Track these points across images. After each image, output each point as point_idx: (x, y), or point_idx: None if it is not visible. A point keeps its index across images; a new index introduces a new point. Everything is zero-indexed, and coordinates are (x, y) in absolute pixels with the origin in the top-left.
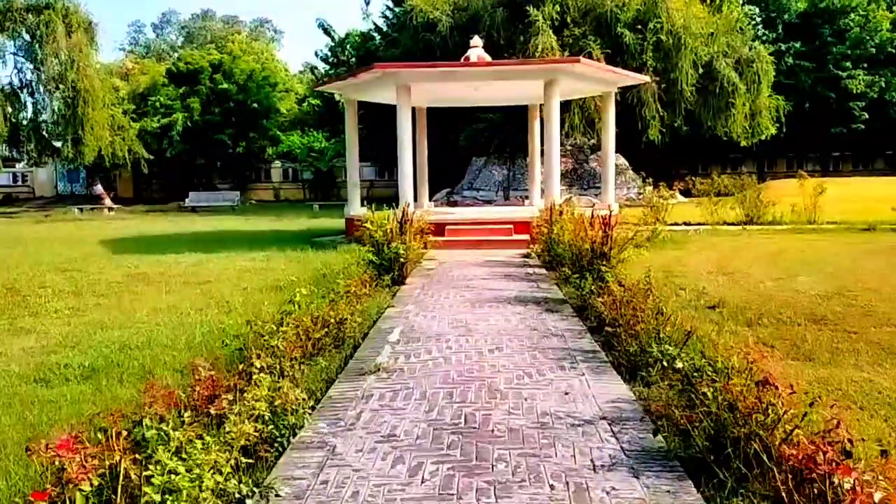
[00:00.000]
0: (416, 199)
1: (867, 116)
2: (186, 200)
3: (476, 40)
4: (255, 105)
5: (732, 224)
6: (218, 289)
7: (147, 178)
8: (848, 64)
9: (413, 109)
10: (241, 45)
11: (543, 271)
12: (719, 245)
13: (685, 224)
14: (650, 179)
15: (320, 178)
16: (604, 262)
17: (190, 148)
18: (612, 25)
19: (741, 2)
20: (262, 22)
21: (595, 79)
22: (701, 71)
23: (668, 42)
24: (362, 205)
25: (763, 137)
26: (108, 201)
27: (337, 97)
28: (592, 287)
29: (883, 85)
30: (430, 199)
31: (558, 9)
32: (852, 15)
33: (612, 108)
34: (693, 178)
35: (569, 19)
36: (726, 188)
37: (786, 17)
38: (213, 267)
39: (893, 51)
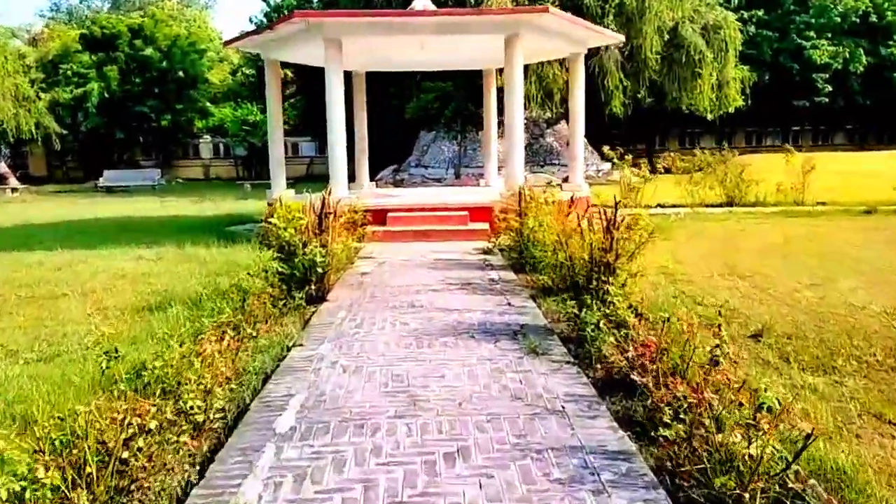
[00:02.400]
0: (353, 179)
1: (830, 89)
2: (101, 179)
3: None
4: (181, 74)
5: (714, 206)
6: (67, 309)
7: (61, 155)
8: (811, 34)
9: (350, 74)
10: (171, 12)
11: (511, 276)
12: (710, 233)
13: (660, 206)
14: (629, 157)
15: (254, 153)
16: (608, 278)
17: (108, 121)
18: None
19: None
20: None
21: (563, 35)
22: (666, 38)
23: (631, 5)
24: (294, 185)
25: (729, 110)
26: (12, 181)
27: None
28: (600, 320)
29: (847, 56)
30: (371, 179)
31: None
32: None
33: (581, 72)
34: (671, 155)
35: None
36: (708, 165)
37: None
38: (82, 270)
39: (857, 20)
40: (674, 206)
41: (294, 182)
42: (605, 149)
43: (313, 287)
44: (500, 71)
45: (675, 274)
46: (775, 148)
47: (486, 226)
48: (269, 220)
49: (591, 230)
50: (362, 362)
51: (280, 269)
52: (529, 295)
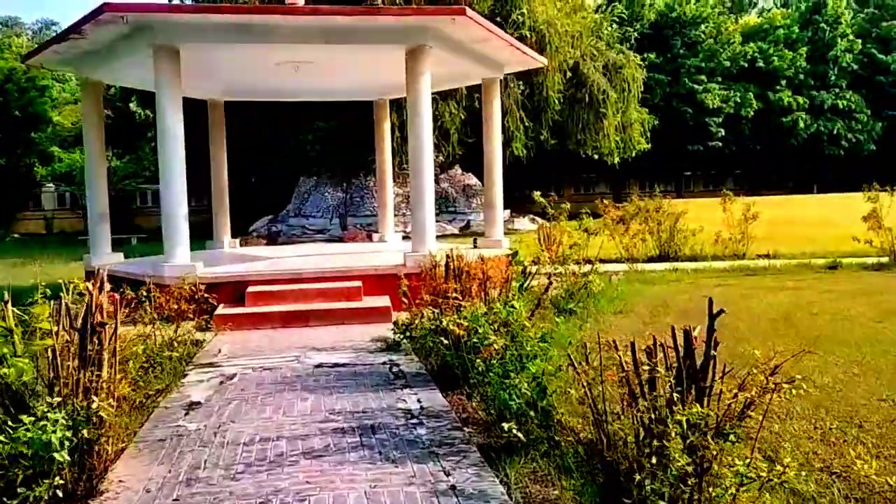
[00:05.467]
0: (212, 236)
1: (723, 133)
2: None
3: None
4: (17, 113)
5: (649, 261)
6: None
7: None
8: (703, 77)
9: (206, 105)
10: (20, 50)
11: (438, 399)
12: (675, 301)
13: (591, 262)
14: (566, 205)
15: (109, 203)
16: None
17: None
18: None
19: (594, 7)
20: (47, 24)
21: (478, 53)
22: (568, 76)
23: (531, 39)
24: (144, 241)
25: (633, 154)
26: None
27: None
28: None
29: (738, 100)
30: (244, 232)
31: None
32: (703, 26)
33: (497, 102)
34: (604, 203)
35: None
36: (643, 213)
37: (638, 26)
38: None
39: (745, 65)
40: (603, 261)
41: (150, 237)
42: (536, 195)
43: (66, 475)
44: (395, 103)
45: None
46: (668, 194)
47: (386, 300)
48: None
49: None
50: None
51: None
52: (479, 449)
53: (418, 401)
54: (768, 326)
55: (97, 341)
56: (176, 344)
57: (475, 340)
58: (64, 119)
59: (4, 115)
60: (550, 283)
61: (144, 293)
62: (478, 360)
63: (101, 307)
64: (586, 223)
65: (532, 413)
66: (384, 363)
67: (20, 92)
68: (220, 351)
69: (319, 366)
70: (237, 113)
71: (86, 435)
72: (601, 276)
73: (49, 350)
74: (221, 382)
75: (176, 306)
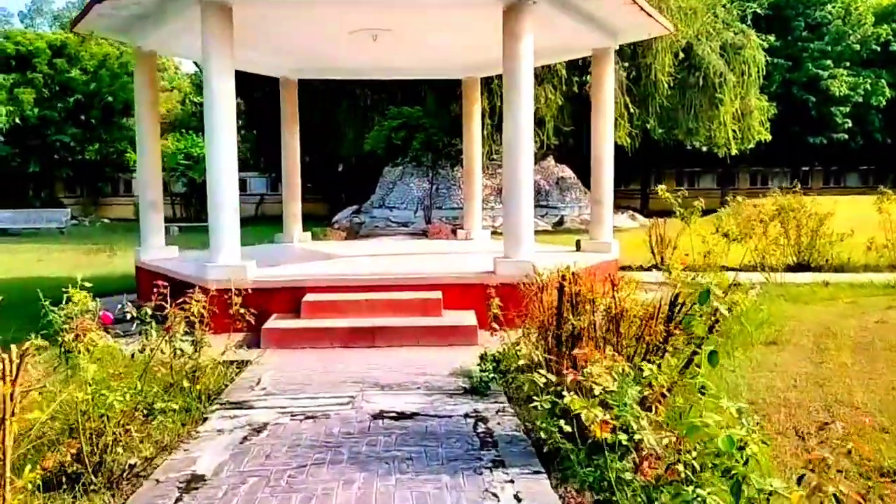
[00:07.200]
0: (282, 229)
1: (850, 124)
2: None
3: None
4: (110, 98)
5: (789, 270)
6: None
7: None
8: (828, 62)
9: (277, 82)
10: None
11: (545, 496)
12: (844, 330)
13: (723, 269)
14: (700, 202)
15: (195, 190)
16: None
17: (20, 151)
18: None
19: None
20: None
21: (587, 14)
22: (680, 56)
23: None
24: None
25: (751, 146)
26: None
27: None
28: None
29: (868, 87)
30: (326, 223)
31: None
32: (829, 6)
33: (610, 77)
34: (736, 198)
35: None
36: (785, 212)
37: (755, 5)
38: None
39: (878, 48)
40: (728, 268)
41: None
42: (661, 189)
43: None
44: (485, 85)
45: None
46: (784, 190)
47: (471, 317)
48: None
49: None
50: None
51: None
52: None
53: (516, 498)
54: None
55: None
56: (186, 383)
57: (622, 439)
58: (160, 106)
59: (98, 100)
60: (717, 319)
61: (150, 309)
62: (626, 469)
63: None
64: (726, 225)
65: None
66: (467, 416)
67: (113, 77)
68: (258, 381)
69: (379, 416)
70: (320, 99)
71: None
72: (735, 286)
73: None
74: (245, 439)
75: (186, 320)
